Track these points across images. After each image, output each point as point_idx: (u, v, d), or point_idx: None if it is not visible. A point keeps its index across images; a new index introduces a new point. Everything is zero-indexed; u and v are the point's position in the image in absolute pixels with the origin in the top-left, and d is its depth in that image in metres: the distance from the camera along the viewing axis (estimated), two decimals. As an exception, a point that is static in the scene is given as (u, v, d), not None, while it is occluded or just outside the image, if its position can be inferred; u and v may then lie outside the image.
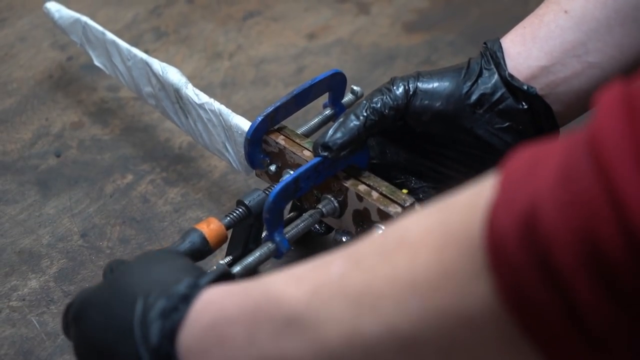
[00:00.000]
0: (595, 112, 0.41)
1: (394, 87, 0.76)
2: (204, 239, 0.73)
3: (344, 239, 0.76)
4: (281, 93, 1.09)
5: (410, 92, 0.76)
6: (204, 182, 0.96)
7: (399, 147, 0.80)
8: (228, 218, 0.76)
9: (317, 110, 0.87)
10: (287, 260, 0.83)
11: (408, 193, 0.75)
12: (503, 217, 0.42)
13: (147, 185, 0.96)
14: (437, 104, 0.76)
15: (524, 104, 0.75)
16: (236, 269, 0.71)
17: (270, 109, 0.79)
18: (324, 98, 0.86)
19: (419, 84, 0.76)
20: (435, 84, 0.76)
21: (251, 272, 0.72)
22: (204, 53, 1.16)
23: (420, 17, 1.22)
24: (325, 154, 0.75)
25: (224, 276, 0.59)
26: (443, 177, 0.79)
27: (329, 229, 0.81)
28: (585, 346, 0.41)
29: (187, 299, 0.56)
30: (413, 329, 0.46)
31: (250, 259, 0.72)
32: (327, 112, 0.85)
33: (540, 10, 0.76)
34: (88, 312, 0.60)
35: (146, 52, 1.15)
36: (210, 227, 0.74)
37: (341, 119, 0.76)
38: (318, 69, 1.13)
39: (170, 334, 0.55)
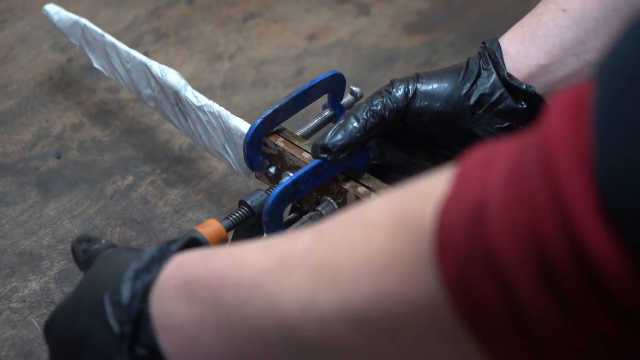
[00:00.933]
0: (547, 111, 0.42)
1: (394, 89, 0.76)
2: (205, 242, 0.73)
3: None
4: (281, 94, 1.09)
5: (410, 94, 0.76)
6: (204, 184, 0.96)
7: (399, 149, 0.80)
8: (229, 219, 0.76)
9: (317, 111, 0.87)
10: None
11: None
12: (453, 209, 0.43)
13: (148, 187, 0.96)
14: (437, 105, 0.76)
15: (523, 103, 0.75)
16: None
17: (269, 111, 0.79)
18: (324, 99, 0.86)
19: (419, 86, 0.76)
20: (435, 85, 0.76)
21: None
22: (204, 54, 1.16)
23: (421, 18, 1.22)
24: (324, 156, 0.75)
25: (195, 243, 0.59)
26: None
27: None
28: (524, 343, 0.41)
29: (158, 260, 0.56)
30: (365, 306, 0.46)
31: None
32: (327, 113, 0.85)
33: (539, 10, 0.76)
34: (56, 317, 0.60)
35: (146, 53, 1.15)
36: (210, 229, 0.74)
37: (341, 121, 0.75)
38: (318, 70, 1.13)
39: (141, 293, 0.55)
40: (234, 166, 0.85)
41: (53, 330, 0.61)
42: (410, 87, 0.76)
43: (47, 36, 1.17)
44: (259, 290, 0.50)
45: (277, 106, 0.80)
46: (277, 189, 0.73)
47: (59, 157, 1.00)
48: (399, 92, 0.76)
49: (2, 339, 0.80)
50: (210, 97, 1.10)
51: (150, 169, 0.98)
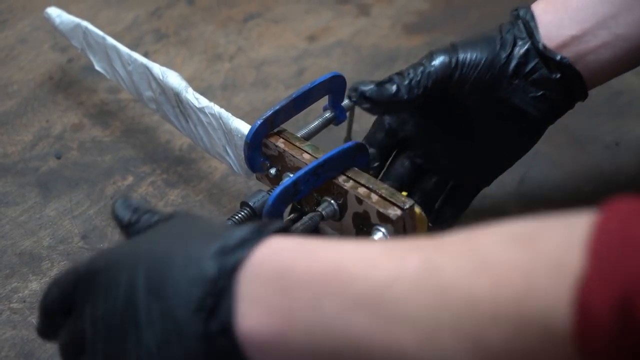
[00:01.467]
0: None
1: (435, 59, 0.77)
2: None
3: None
4: (282, 95, 1.09)
5: (452, 64, 0.77)
6: (204, 184, 0.96)
7: (434, 124, 0.81)
8: (231, 221, 0.76)
9: (318, 112, 0.87)
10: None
11: (407, 195, 0.75)
12: (596, 295, 0.41)
13: (148, 187, 0.96)
14: (477, 74, 0.77)
15: (557, 73, 0.77)
16: None
17: (270, 113, 0.79)
18: (324, 101, 0.86)
19: (460, 55, 0.77)
20: (474, 55, 0.77)
21: None
22: (204, 55, 1.16)
23: (421, 18, 1.22)
24: (364, 103, 0.77)
25: (284, 231, 0.56)
26: (477, 157, 0.81)
27: None
28: None
29: (249, 240, 0.53)
30: (493, 352, 0.44)
31: None
32: (327, 114, 0.85)
33: None
34: (137, 254, 0.55)
35: (146, 54, 1.15)
36: None
37: (384, 79, 0.77)
38: (318, 71, 1.13)
39: (231, 270, 0.52)
40: (234, 168, 0.85)
41: (129, 260, 0.55)
42: (450, 56, 0.77)
43: (48, 37, 1.17)
44: (369, 308, 0.48)
45: (277, 107, 0.80)
46: (277, 189, 0.73)
47: (59, 158, 1.00)
48: (439, 62, 0.77)
49: (2, 339, 0.80)
50: (210, 98, 1.10)
51: (150, 169, 0.98)
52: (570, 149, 1.00)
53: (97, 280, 0.56)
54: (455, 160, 0.82)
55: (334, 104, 0.84)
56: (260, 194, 0.78)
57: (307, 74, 1.13)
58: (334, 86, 0.83)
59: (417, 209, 0.74)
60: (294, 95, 0.80)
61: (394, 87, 0.76)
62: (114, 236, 0.90)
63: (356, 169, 0.77)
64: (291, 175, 0.78)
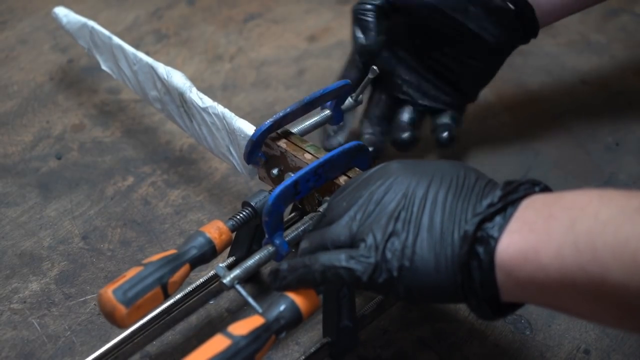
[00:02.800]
0: None
1: None
2: (210, 242, 0.73)
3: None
4: (282, 95, 1.09)
5: None
6: (204, 184, 0.96)
7: (399, 47, 0.93)
8: (233, 220, 0.76)
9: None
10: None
11: (389, 127, 0.82)
12: None
13: (148, 188, 0.96)
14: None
15: (510, 4, 0.86)
16: (236, 272, 0.71)
17: (280, 115, 0.79)
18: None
19: None
20: None
21: (251, 275, 0.73)
22: (204, 55, 1.16)
23: (421, 19, 1.22)
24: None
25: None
26: (443, 73, 0.92)
27: None
28: None
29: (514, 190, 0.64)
30: None
31: (250, 262, 0.72)
32: (326, 113, 0.85)
33: None
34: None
35: (147, 54, 1.15)
36: (216, 229, 0.74)
37: (358, 38, 0.93)
38: (319, 71, 1.13)
39: (515, 199, 0.62)
40: (238, 167, 0.85)
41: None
42: None
43: (48, 37, 1.17)
44: (614, 227, 0.56)
45: (287, 110, 0.80)
46: (278, 189, 0.73)
47: (59, 158, 1.00)
48: None
49: (2, 340, 0.80)
50: (210, 98, 1.10)
51: (150, 169, 0.98)
52: (570, 149, 1.00)
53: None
54: (425, 87, 0.92)
55: (335, 106, 0.85)
56: (262, 194, 0.78)
57: (307, 74, 1.13)
58: (341, 92, 0.83)
59: None
60: (305, 100, 0.80)
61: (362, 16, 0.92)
62: (114, 236, 0.90)
63: (357, 169, 0.77)
64: (293, 175, 0.78)
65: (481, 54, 0.89)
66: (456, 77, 0.92)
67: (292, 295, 0.67)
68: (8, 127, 1.04)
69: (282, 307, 0.67)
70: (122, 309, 0.67)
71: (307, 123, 0.84)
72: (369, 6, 0.91)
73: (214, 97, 1.09)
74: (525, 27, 0.88)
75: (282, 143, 0.80)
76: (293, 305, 0.67)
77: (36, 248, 0.89)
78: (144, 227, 0.91)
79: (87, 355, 0.78)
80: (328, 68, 1.13)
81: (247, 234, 0.81)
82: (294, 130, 0.83)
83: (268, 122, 0.79)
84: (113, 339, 0.79)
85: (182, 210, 0.93)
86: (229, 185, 0.96)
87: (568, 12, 0.89)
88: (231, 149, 0.85)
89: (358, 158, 0.77)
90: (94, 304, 0.83)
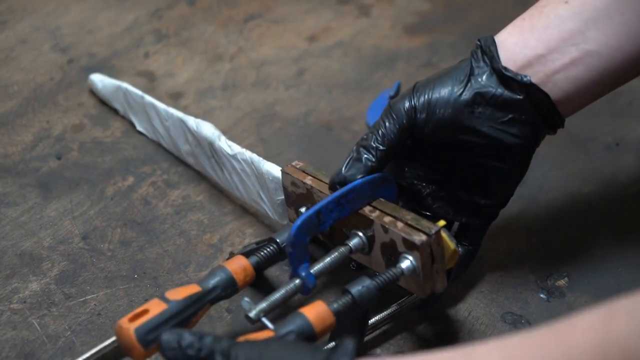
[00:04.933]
0: None
1: (394, 111, 0.77)
2: (234, 284, 0.73)
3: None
4: (282, 95, 1.09)
5: (411, 110, 0.76)
6: (204, 185, 0.96)
7: (415, 162, 0.80)
8: (257, 257, 0.76)
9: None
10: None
11: (445, 225, 0.74)
12: None
13: (148, 188, 0.96)
14: (437, 112, 0.76)
15: (519, 93, 0.75)
16: (261, 305, 0.70)
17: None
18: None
19: (418, 100, 0.76)
20: (431, 95, 0.76)
21: (275, 308, 0.72)
22: (204, 55, 1.16)
23: (421, 19, 1.22)
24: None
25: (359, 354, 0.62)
26: (467, 181, 0.79)
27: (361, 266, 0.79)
28: None
29: None
30: None
31: (276, 296, 0.71)
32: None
33: (541, 3, 0.77)
34: None
35: (147, 54, 1.15)
36: (241, 269, 0.73)
37: (353, 154, 0.76)
38: (319, 71, 1.13)
39: None
40: (269, 213, 0.86)
41: None
42: (408, 103, 0.76)
43: (48, 37, 1.17)
44: None
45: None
46: (300, 219, 0.72)
47: (59, 158, 1.00)
48: (400, 112, 0.76)
49: (2, 340, 0.80)
50: (210, 98, 1.11)
51: (151, 169, 0.98)
52: (570, 149, 1.00)
53: None
54: (448, 201, 0.80)
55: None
56: (288, 231, 0.77)
57: (307, 74, 1.13)
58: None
59: (444, 234, 0.73)
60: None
61: (362, 160, 0.76)
62: (114, 237, 0.90)
63: (382, 199, 0.76)
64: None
65: (504, 155, 0.77)
66: (483, 182, 0.79)
67: (306, 313, 0.67)
68: (8, 127, 1.04)
69: (294, 325, 0.67)
70: (140, 350, 0.67)
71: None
72: (377, 146, 0.77)
73: (214, 97, 1.09)
74: (546, 117, 0.76)
75: (308, 180, 0.79)
76: (306, 322, 0.67)
77: (36, 248, 0.89)
78: (144, 227, 0.91)
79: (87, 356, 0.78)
80: (328, 68, 1.13)
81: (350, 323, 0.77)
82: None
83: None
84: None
85: (182, 210, 0.93)
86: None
87: (598, 89, 0.77)
88: (261, 194, 0.85)
89: (383, 189, 0.76)
90: (94, 304, 0.83)
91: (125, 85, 1.00)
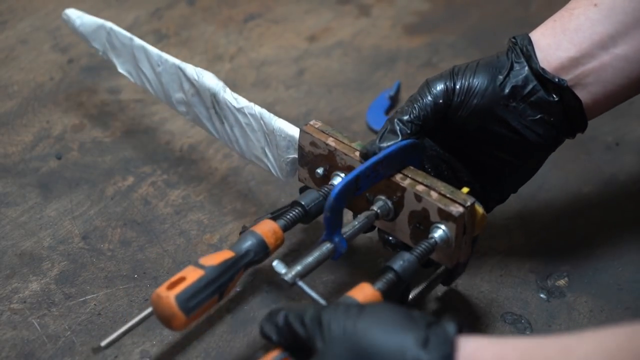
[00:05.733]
0: None
1: (432, 89, 0.78)
2: (266, 247, 0.73)
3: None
4: (282, 95, 1.09)
5: (449, 92, 0.78)
6: (204, 185, 0.96)
7: (436, 142, 0.81)
8: (284, 220, 0.75)
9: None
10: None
11: (468, 192, 0.74)
12: None
13: (148, 188, 0.96)
14: (474, 99, 0.78)
15: (554, 96, 0.77)
16: (297, 268, 0.70)
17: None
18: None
19: (456, 83, 0.78)
20: (471, 80, 0.78)
21: (308, 274, 0.71)
22: (204, 55, 1.16)
23: (421, 19, 1.22)
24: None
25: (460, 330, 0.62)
26: (475, 171, 0.81)
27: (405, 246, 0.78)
28: None
29: (450, 338, 0.60)
30: None
31: (310, 259, 0.71)
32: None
33: (571, 5, 0.79)
34: None
35: (147, 54, 1.15)
36: (271, 233, 0.73)
37: (387, 127, 0.77)
38: (319, 71, 1.13)
39: None
40: (272, 170, 0.84)
41: None
42: (447, 84, 0.78)
43: (48, 37, 1.18)
44: None
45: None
46: (340, 184, 0.72)
47: (59, 158, 1.00)
48: (438, 91, 0.78)
49: (2, 340, 0.80)
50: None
51: (151, 169, 0.98)
52: (570, 149, 1.00)
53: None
54: (460, 181, 0.81)
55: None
56: (312, 194, 0.77)
57: (307, 74, 1.13)
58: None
59: (478, 207, 0.74)
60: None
61: (398, 132, 0.77)
62: (114, 236, 0.90)
63: (412, 167, 0.77)
64: (341, 174, 0.78)
65: (523, 152, 0.79)
66: (493, 174, 0.81)
67: (355, 296, 0.67)
68: (8, 127, 1.04)
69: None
70: (182, 317, 0.66)
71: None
72: (408, 121, 0.78)
73: (214, 97, 1.09)
74: (572, 121, 0.78)
75: (331, 141, 0.79)
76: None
77: (36, 248, 0.89)
78: (144, 227, 0.91)
79: (87, 355, 0.78)
80: (328, 68, 1.13)
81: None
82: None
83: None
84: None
85: (182, 210, 0.93)
86: (229, 185, 0.96)
87: (624, 98, 0.80)
88: (267, 150, 0.84)
89: (412, 156, 0.77)
90: (94, 304, 0.83)
91: (109, 24, 0.95)
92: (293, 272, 0.70)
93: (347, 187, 0.72)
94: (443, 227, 0.73)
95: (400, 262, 0.71)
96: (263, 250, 0.73)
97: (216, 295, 0.68)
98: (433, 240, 0.73)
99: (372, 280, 0.70)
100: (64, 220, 0.92)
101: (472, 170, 0.81)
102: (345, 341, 0.61)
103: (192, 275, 0.68)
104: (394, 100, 1.08)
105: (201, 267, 0.69)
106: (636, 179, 0.97)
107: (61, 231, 0.91)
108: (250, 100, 1.09)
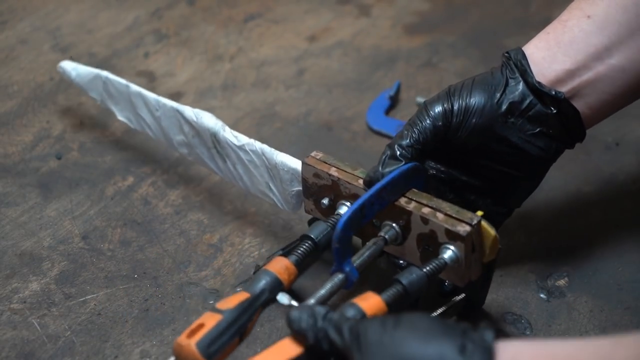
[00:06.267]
0: None
1: (431, 112, 0.78)
2: (280, 285, 0.72)
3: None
4: (282, 95, 1.09)
5: (447, 113, 0.77)
6: (204, 185, 0.96)
7: (437, 162, 0.81)
8: (296, 256, 0.75)
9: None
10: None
11: (483, 215, 0.74)
12: None
13: (148, 188, 0.96)
14: (472, 119, 0.78)
15: (552, 108, 0.77)
16: (310, 301, 0.70)
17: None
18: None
19: (454, 104, 0.78)
20: (468, 100, 0.78)
21: (323, 303, 0.71)
22: (204, 55, 1.16)
23: (421, 19, 1.22)
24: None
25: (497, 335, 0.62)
26: (479, 187, 0.81)
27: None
28: None
29: (489, 345, 0.59)
30: None
31: (322, 292, 0.71)
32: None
33: (564, 17, 0.78)
34: None
35: (147, 54, 1.15)
36: (284, 269, 0.73)
37: (388, 152, 0.77)
38: (319, 71, 1.13)
39: None
40: (278, 204, 0.85)
41: None
42: (445, 106, 0.78)
43: (48, 37, 1.18)
44: None
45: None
46: (346, 214, 0.72)
47: (59, 158, 1.00)
48: (436, 113, 0.77)
49: (2, 340, 0.80)
50: (211, 98, 1.10)
51: (150, 170, 0.98)
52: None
53: None
54: (466, 200, 0.81)
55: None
56: (320, 226, 0.77)
57: (307, 74, 1.13)
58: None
59: (484, 223, 0.73)
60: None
61: (398, 157, 0.77)
62: (114, 236, 0.90)
63: (414, 189, 0.76)
64: (347, 203, 0.78)
65: (525, 166, 0.80)
66: (496, 187, 0.81)
67: (360, 304, 0.67)
68: (8, 127, 1.04)
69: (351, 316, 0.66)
70: None
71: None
72: (408, 146, 0.78)
73: (214, 97, 1.09)
74: (571, 132, 0.79)
75: (334, 171, 0.79)
76: (361, 314, 0.67)
77: (36, 248, 0.89)
78: (144, 227, 0.91)
79: (87, 355, 0.78)
80: (328, 68, 1.13)
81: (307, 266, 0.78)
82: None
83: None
84: (113, 338, 0.79)
85: (182, 210, 0.93)
86: (229, 185, 0.96)
87: (620, 107, 0.80)
88: (271, 185, 0.85)
89: (415, 179, 0.77)
90: (94, 304, 0.83)
91: (105, 73, 0.96)
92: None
93: (353, 217, 0.72)
94: (451, 247, 0.73)
95: (409, 276, 0.71)
96: (278, 288, 0.73)
97: (237, 338, 0.69)
98: (443, 260, 0.73)
99: (376, 289, 0.70)
100: (64, 220, 0.92)
101: (476, 188, 0.81)
102: (384, 352, 0.60)
103: (210, 321, 0.68)
104: (394, 100, 1.08)
105: (218, 311, 0.69)
106: (636, 179, 0.97)
107: (61, 231, 0.91)
108: (250, 100, 1.09)
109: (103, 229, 0.91)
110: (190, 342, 0.66)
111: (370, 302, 0.68)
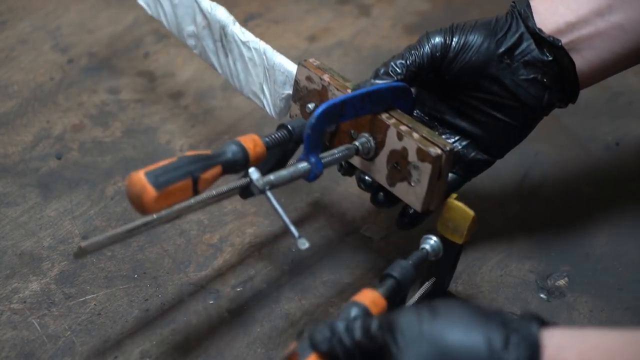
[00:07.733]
0: None
1: (431, 40, 0.79)
2: (244, 151, 0.72)
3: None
4: (282, 95, 1.09)
5: (446, 45, 0.79)
6: (204, 184, 0.96)
7: (427, 93, 0.83)
8: (268, 138, 0.76)
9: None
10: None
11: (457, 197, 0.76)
12: None
13: (148, 188, 0.96)
14: (470, 54, 0.79)
15: (548, 55, 0.79)
16: (269, 177, 0.70)
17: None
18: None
19: (454, 37, 0.80)
20: (469, 37, 0.80)
21: (282, 185, 0.71)
22: (204, 55, 1.16)
23: (421, 19, 1.22)
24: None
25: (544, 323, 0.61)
26: (465, 125, 0.82)
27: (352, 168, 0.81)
28: None
29: (534, 333, 0.59)
30: None
31: (284, 172, 0.72)
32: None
33: None
34: None
35: (147, 54, 1.15)
36: (251, 141, 0.73)
37: (382, 69, 0.79)
38: (319, 71, 1.13)
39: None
40: (267, 107, 0.86)
41: None
42: (446, 37, 0.79)
43: (48, 37, 1.17)
44: None
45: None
46: (325, 104, 0.72)
47: (59, 158, 1.00)
48: (436, 42, 0.79)
49: (2, 340, 0.80)
50: (210, 98, 1.10)
51: (150, 170, 0.98)
52: (570, 149, 1.00)
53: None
54: (451, 134, 0.83)
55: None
56: (299, 120, 0.78)
57: (307, 74, 1.13)
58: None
59: (462, 204, 0.75)
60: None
61: (391, 74, 0.79)
62: (115, 237, 0.90)
63: (399, 110, 0.78)
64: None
65: (514, 112, 0.80)
66: (483, 131, 0.82)
67: (361, 300, 0.67)
68: (8, 127, 1.04)
69: (356, 313, 0.66)
70: (151, 191, 0.66)
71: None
72: (398, 70, 0.79)
73: (214, 97, 1.09)
74: (565, 87, 0.80)
75: (326, 77, 0.80)
76: (365, 309, 0.67)
77: (36, 248, 0.89)
78: (144, 227, 0.91)
79: (87, 355, 0.78)
80: (328, 68, 1.13)
81: (277, 156, 0.79)
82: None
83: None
84: (113, 338, 0.79)
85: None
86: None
87: (620, 69, 0.81)
88: (264, 87, 0.86)
89: (401, 100, 0.78)
90: (94, 304, 0.83)
91: None
92: (264, 180, 0.70)
93: (331, 109, 0.73)
94: (420, 165, 0.74)
95: (399, 269, 0.72)
96: (241, 153, 0.72)
97: (189, 179, 0.68)
98: (424, 250, 0.75)
99: (372, 285, 0.70)
100: (64, 220, 0.92)
101: (462, 130, 0.82)
102: (424, 343, 0.59)
103: (164, 161, 0.68)
104: (394, 100, 1.08)
105: (175, 157, 0.69)
106: (636, 179, 0.97)
107: (61, 231, 0.91)
108: (250, 100, 1.09)
109: (103, 229, 0.91)
110: (140, 172, 0.67)
111: (370, 298, 0.68)
